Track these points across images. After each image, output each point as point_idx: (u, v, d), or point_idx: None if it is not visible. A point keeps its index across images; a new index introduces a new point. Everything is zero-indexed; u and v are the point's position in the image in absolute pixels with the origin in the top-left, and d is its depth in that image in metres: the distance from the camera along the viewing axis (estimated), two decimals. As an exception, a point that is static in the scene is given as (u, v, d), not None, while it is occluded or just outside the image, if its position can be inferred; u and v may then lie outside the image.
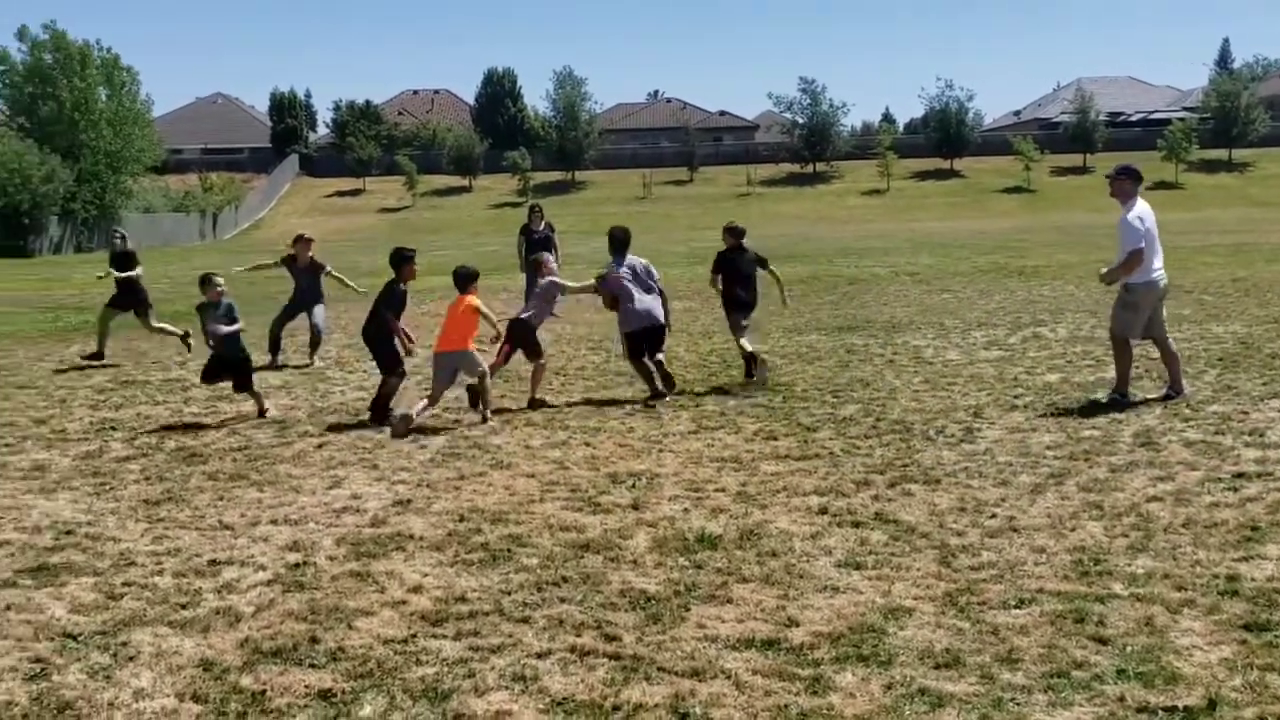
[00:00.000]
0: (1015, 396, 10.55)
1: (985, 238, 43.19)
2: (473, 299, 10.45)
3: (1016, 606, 5.32)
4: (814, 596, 5.51)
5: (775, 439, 9.10)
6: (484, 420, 10.25)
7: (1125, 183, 10.05)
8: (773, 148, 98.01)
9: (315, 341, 14.50)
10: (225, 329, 10.78)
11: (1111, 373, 10.41)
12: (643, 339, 11.16)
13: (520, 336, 11.24)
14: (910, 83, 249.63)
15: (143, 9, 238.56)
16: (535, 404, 10.92)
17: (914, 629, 5.08)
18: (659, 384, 11.09)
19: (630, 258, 11.42)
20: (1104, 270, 10.32)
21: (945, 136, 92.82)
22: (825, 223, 71.40)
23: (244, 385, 10.90)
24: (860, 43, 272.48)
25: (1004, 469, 7.89)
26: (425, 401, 10.23)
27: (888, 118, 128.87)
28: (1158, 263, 10.01)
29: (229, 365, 10.84)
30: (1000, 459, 8.18)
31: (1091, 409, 9.79)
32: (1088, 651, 4.78)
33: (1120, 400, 9.95)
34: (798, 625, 5.15)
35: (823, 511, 6.97)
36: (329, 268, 14.72)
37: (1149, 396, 10.13)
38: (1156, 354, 10.50)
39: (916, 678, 4.57)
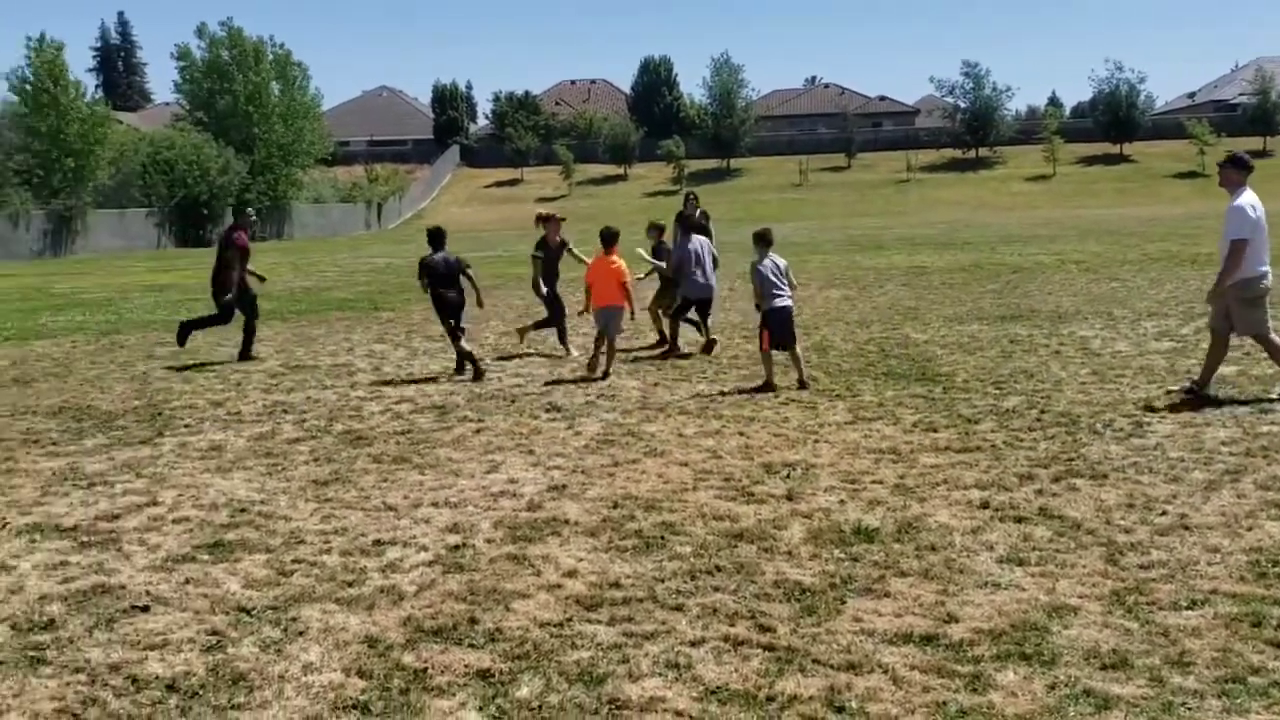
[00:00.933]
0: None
1: (1156, 224, 41.60)
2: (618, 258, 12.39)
3: (1188, 608, 5.10)
4: (974, 592, 5.38)
5: (935, 431, 8.92)
6: (605, 376, 11.94)
7: (1231, 172, 9.64)
8: (934, 133, 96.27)
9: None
10: None
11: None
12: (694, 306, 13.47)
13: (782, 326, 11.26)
14: (1078, 66, 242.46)
15: (312, 5, 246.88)
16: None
17: (1079, 628, 4.92)
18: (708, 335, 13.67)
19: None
20: (1210, 290, 9.83)
21: (1114, 120, 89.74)
22: (987, 209, 69.73)
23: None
24: (1026, 25, 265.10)
25: (1175, 465, 7.57)
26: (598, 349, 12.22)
27: (1054, 101, 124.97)
28: (1266, 258, 9.54)
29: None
30: (1171, 454, 7.85)
31: (1270, 404, 9.33)
32: (1265, 657, 4.55)
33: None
34: (957, 621, 5.03)
35: (984, 506, 6.81)
36: (570, 245, 14.53)
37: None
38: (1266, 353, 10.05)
39: (1081, 678, 4.43)
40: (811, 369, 12.05)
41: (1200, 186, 77.94)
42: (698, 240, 13.73)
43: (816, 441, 8.71)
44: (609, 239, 12.55)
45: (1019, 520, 6.50)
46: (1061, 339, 13.65)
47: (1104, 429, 8.75)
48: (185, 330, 15.08)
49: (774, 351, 11.21)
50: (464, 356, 12.54)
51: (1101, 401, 9.79)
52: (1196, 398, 9.67)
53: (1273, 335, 9.67)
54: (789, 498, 7.13)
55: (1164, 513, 6.53)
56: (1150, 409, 9.33)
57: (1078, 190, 79.47)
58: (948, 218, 57.57)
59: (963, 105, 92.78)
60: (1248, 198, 9.49)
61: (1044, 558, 5.84)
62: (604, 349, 12.20)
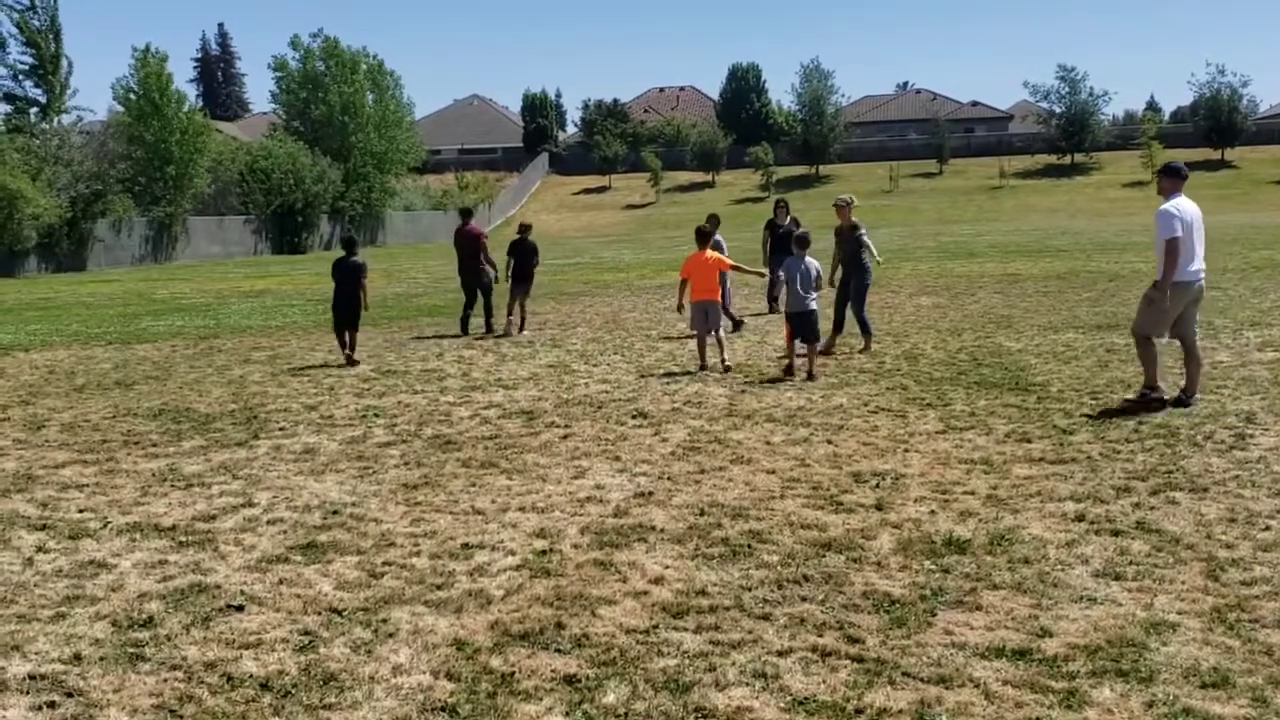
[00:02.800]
0: (1295, 401, 9.81)
1: (1259, 231, 40.48)
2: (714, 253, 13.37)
3: (1295, 627, 4.94)
4: (1069, 607, 5.27)
5: (1029, 441, 8.76)
6: (725, 369, 12.67)
7: (1165, 180, 10.05)
8: (1028, 138, 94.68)
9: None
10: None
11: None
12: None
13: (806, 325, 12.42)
14: (1178, 70, 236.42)
15: (405, 16, 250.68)
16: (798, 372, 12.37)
17: (1178, 645, 4.79)
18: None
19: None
20: (1151, 289, 9.99)
21: (1215, 125, 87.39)
22: (1083, 216, 68.41)
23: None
24: (1124, 28, 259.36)
25: (1279, 479, 7.35)
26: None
27: (1152, 106, 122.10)
28: (1196, 263, 9.85)
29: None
30: (1276, 468, 7.61)
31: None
32: (1379, 681, 4.39)
33: (1148, 395, 9.91)
34: (1051, 636, 4.93)
35: (1079, 518, 6.66)
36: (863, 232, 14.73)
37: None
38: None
39: (1181, 696, 4.31)
40: (902, 377, 11.94)
41: (1306, 192, 75.71)
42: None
43: (906, 451, 8.60)
44: (704, 236, 13.73)
45: (1115, 534, 6.34)
46: (1159, 348, 13.30)
47: (1204, 441, 8.52)
48: (463, 325, 17.87)
49: (797, 342, 12.45)
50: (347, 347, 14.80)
51: (1202, 413, 9.53)
52: (1178, 403, 9.83)
53: (1155, 344, 10.02)
54: (878, 507, 7.05)
55: (1267, 528, 6.33)
56: (1128, 409, 9.06)
57: (1177, 196, 77.60)
58: (1042, 224, 56.54)
59: (1058, 110, 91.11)
60: (1176, 201, 9.83)
61: (1141, 572, 5.69)
62: (714, 341, 13.13)
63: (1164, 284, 9.74)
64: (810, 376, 12.08)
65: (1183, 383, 10.10)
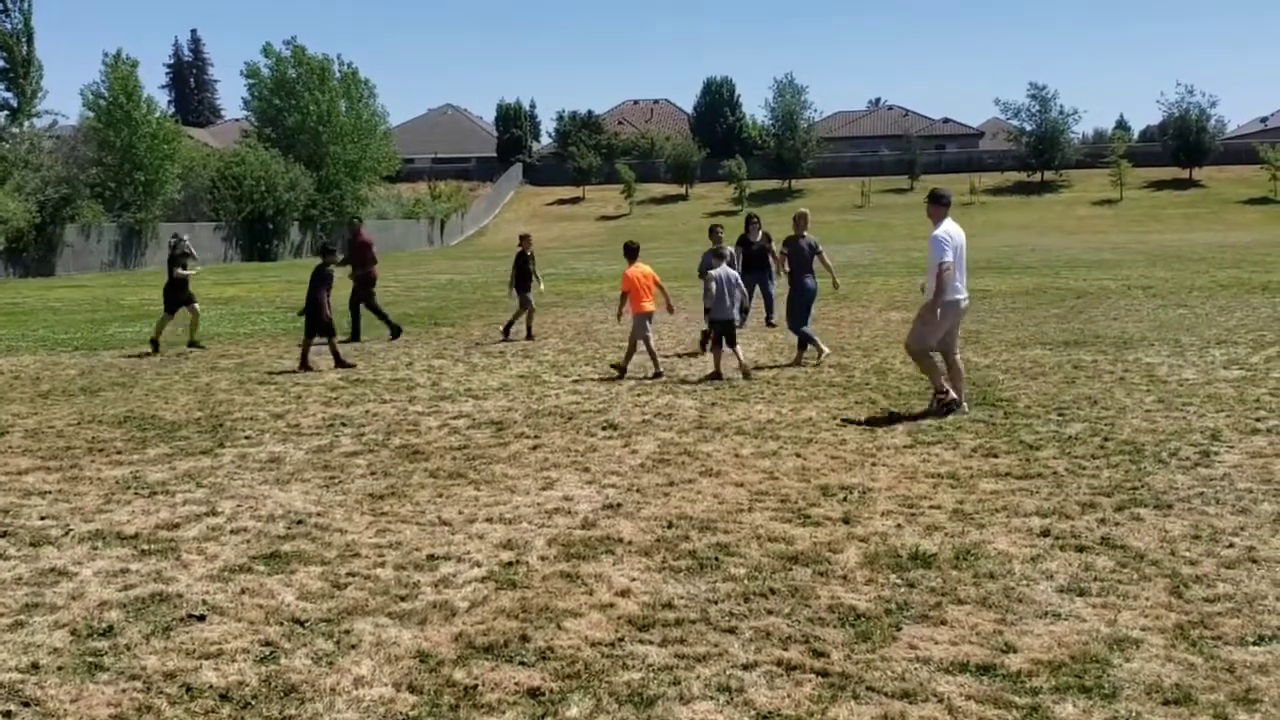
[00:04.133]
0: (1258, 419, 9.90)
1: (1226, 251, 40.88)
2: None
3: (1255, 643, 4.96)
4: (1034, 622, 5.28)
5: (995, 456, 8.80)
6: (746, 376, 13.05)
7: (933, 207, 10.85)
8: (998, 155, 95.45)
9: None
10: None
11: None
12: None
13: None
14: (1147, 89, 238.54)
15: (380, 24, 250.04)
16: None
17: (1141, 661, 4.81)
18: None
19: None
20: (924, 308, 10.77)
21: (1184, 144, 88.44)
22: (1053, 233, 68.96)
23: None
24: (1094, 48, 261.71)
25: (1244, 496, 7.40)
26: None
27: (1122, 125, 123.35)
28: (961, 283, 10.69)
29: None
30: (1240, 485, 7.67)
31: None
32: (1338, 698, 4.41)
33: (942, 399, 10.51)
34: (1015, 651, 4.94)
35: (1045, 534, 6.68)
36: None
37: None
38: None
39: (1143, 713, 4.32)
40: (871, 391, 11.98)
41: (1272, 213, 76.65)
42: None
43: (874, 465, 8.62)
44: (632, 251, 14.12)
45: (1080, 549, 6.37)
46: (1126, 365, 13.43)
47: (1169, 458, 8.58)
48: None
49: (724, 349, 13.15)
50: (305, 352, 15.09)
51: (1167, 430, 9.60)
52: (945, 409, 10.45)
53: (931, 355, 10.70)
54: (845, 521, 7.06)
55: (1231, 545, 6.37)
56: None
57: (1145, 215, 78.37)
58: (1012, 241, 56.94)
59: (1028, 128, 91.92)
60: (946, 227, 10.59)
61: (1106, 588, 5.72)
62: (641, 352, 13.64)
63: (935, 303, 10.55)
64: (746, 375, 13.06)
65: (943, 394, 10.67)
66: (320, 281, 15.09)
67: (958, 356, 10.95)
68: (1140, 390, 11.65)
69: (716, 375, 13.13)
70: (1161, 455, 8.66)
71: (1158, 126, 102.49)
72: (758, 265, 18.07)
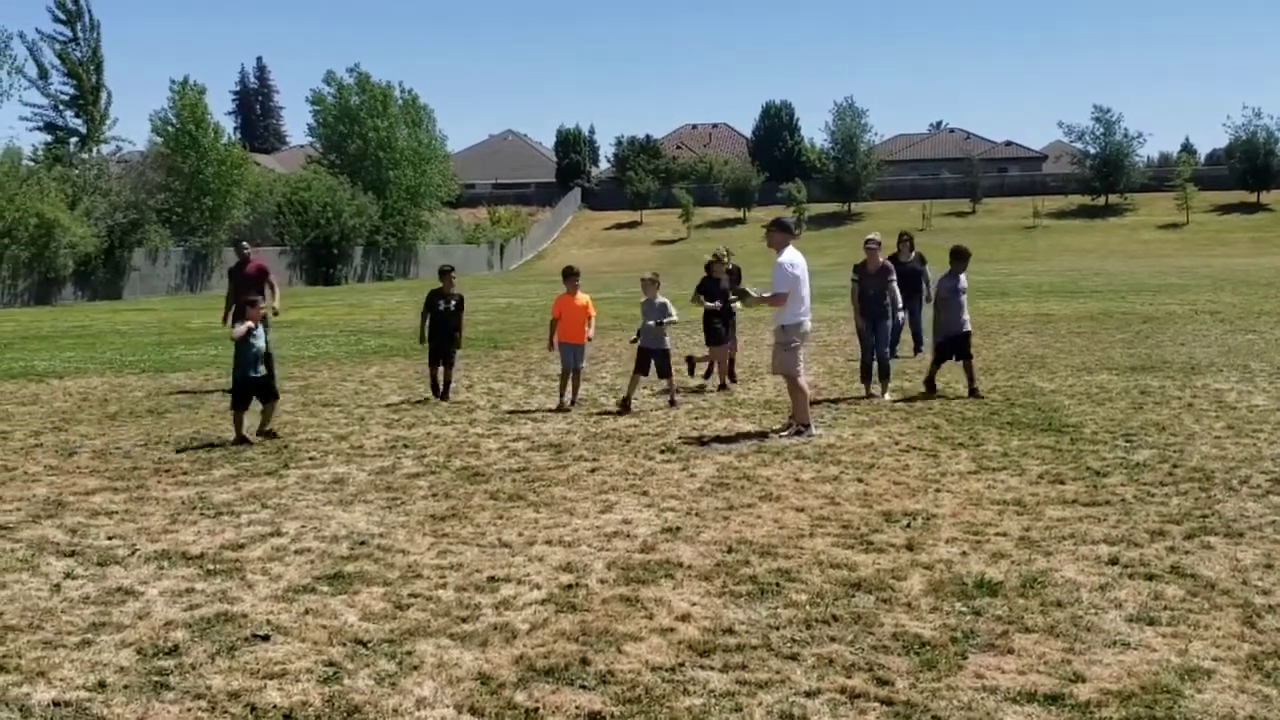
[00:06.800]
0: (1334, 447, 9.67)
1: (1298, 274, 40.05)
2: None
3: (1336, 678, 4.82)
4: (1102, 651, 5.17)
5: (1062, 483, 8.66)
6: (569, 406, 13.00)
7: (775, 234, 11.21)
8: (1062, 179, 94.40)
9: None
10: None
11: None
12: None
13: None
14: (1213, 113, 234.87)
15: (442, 52, 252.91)
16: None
17: (1213, 692, 4.69)
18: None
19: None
20: (753, 292, 11.58)
21: (1251, 167, 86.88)
22: (1117, 257, 68.03)
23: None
24: (1159, 71, 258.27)
25: (1321, 525, 7.21)
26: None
27: (1187, 148, 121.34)
28: (805, 306, 11.14)
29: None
30: (1316, 514, 7.49)
31: None
32: None
33: (804, 431, 10.79)
34: (1084, 681, 4.84)
35: (1113, 562, 6.56)
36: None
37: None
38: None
39: (1219, 748, 4.21)
40: (934, 415, 11.86)
41: (1344, 236, 74.99)
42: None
43: (938, 491, 8.52)
44: (571, 276, 13.77)
45: (1150, 578, 6.24)
46: (1195, 391, 13.19)
47: (1240, 485, 8.39)
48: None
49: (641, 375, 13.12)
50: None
51: (1238, 457, 9.40)
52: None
53: (801, 379, 11.00)
54: (909, 547, 6.97)
55: (1307, 575, 6.21)
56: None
57: (1212, 239, 77.06)
58: (1076, 265, 56.26)
59: (1092, 151, 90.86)
60: (789, 255, 11.01)
61: (1176, 617, 5.59)
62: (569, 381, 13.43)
63: (757, 300, 11.41)
64: (672, 403, 13.12)
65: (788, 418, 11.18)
66: (459, 307, 14.37)
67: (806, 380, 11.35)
68: (1209, 416, 11.43)
69: (625, 406, 12.82)
70: (1232, 482, 8.48)
71: (1224, 150, 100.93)
72: (908, 289, 16.10)
